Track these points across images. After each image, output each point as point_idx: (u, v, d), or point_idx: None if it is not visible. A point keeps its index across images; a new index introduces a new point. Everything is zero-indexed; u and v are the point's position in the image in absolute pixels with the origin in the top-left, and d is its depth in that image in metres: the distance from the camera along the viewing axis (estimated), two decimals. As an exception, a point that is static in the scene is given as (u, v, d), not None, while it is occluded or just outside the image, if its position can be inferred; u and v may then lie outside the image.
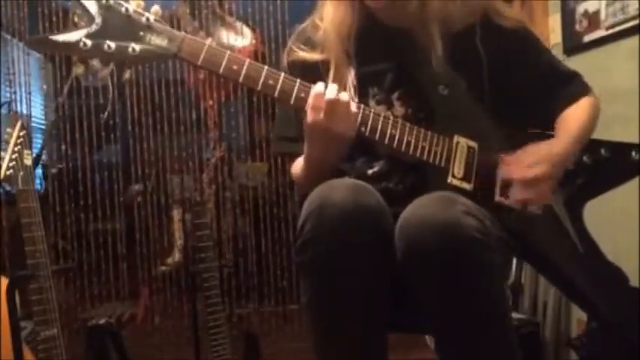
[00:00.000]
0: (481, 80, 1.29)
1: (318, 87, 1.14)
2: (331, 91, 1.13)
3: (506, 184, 1.25)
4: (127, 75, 1.18)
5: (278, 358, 2.67)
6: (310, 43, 1.34)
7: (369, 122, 1.17)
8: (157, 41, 1.10)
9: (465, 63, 1.27)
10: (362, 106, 1.19)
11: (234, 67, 1.12)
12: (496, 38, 1.30)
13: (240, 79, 1.12)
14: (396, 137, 1.19)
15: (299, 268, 1.11)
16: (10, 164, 1.71)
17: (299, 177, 1.34)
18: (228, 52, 1.13)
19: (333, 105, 1.12)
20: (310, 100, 1.13)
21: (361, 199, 1.06)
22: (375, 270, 1.08)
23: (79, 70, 1.13)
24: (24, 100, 3.10)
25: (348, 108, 1.14)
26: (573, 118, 1.33)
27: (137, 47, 1.09)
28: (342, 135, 1.15)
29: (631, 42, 1.96)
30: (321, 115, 1.13)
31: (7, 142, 1.72)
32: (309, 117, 1.14)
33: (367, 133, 1.17)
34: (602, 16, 2.10)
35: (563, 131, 1.31)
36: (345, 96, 1.14)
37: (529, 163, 1.24)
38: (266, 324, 3.20)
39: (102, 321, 2.20)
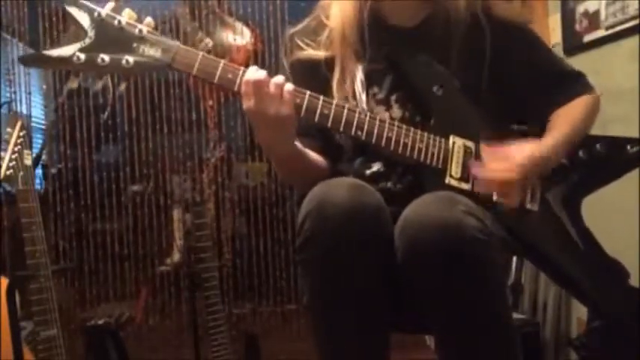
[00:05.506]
0: (481, 77, 1.29)
1: (248, 74, 1.12)
2: (251, 74, 1.11)
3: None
4: (122, 87, 1.17)
5: (277, 358, 2.67)
6: (316, 41, 1.34)
7: (365, 126, 1.17)
8: (151, 52, 1.10)
9: (469, 60, 1.27)
10: (358, 110, 1.18)
11: (229, 75, 1.12)
12: (498, 36, 1.30)
13: (235, 88, 1.12)
14: (393, 140, 1.19)
15: (299, 266, 1.11)
16: (10, 164, 1.71)
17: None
18: (223, 61, 1.12)
19: (257, 87, 1.10)
20: (242, 88, 1.12)
21: (361, 198, 1.06)
22: (375, 268, 1.08)
23: (73, 84, 1.14)
24: (24, 100, 3.09)
25: (276, 88, 1.11)
26: (565, 117, 1.32)
27: (131, 59, 1.09)
28: (276, 116, 1.12)
29: (631, 42, 1.96)
30: (252, 101, 1.11)
31: (7, 142, 1.73)
32: (243, 106, 1.12)
33: (364, 137, 1.17)
34: (602, 16, 2.10)
35: (552, 132, 1.30)
36: (279, 78, 1.12)
37: (500, 167, 1.21)
38: (265, 324, 3.19)
39: (101, 321, 2.20)
